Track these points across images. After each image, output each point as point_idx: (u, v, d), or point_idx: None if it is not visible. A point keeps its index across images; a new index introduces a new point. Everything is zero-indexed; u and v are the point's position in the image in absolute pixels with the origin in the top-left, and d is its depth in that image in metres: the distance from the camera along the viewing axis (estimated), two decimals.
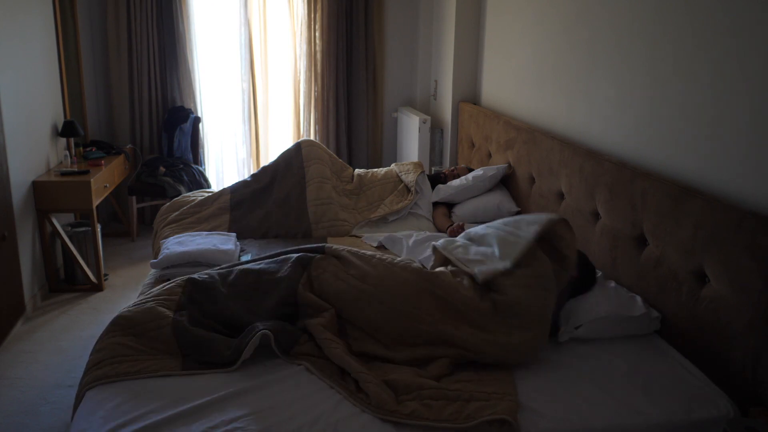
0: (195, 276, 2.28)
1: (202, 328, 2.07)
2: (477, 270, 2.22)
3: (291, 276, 2.24)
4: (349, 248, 2.39)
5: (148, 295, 2.22)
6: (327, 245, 2.38)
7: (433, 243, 2.57)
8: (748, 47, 1.97)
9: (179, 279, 2.30)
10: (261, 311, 2.15)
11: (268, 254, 2.47)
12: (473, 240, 2.47)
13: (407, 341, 2.08)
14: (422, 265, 2.39)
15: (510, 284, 2.13)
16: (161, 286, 2.32)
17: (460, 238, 2.54)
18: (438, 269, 2.35)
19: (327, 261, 2.29)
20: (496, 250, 2.29)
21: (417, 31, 5.17)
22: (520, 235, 2.24)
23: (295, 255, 2.33)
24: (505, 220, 2.43)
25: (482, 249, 2.36)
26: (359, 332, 2.13)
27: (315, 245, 2.42)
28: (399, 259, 2.36)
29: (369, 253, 2.37)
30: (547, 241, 2.26)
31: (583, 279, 2.36)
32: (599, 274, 2.53)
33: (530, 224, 2.26)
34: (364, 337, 2.12)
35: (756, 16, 1.94)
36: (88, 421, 1.73)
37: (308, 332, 2.11)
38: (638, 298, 2.31)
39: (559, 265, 2.22)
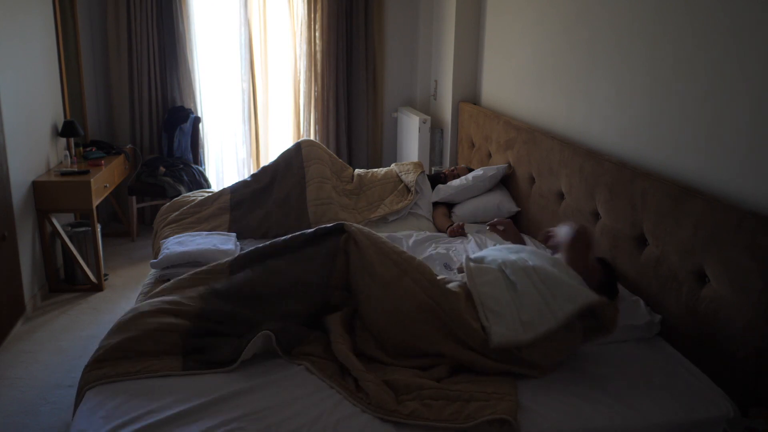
0: (213, 288, 2.20)
1: (214, 336, 2.06)
2: (493, 331, 2.00)
3: (320, 282, 2.17)
4: (368, 233, 2.25)
5: (160, 301, 2.17)
6: (345, 223, 2.27)
7: (467, 256, 2.36)
8: (748, 47, 1.97)
9: (196, 290, 2.22)
10: (286, 314, 2.11)
11: (286, 239, 2.36)
12: (507, 272, 2.18)
13: (407, 352, 2.06)
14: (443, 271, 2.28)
15: (527, 348, 1.99)
16: (172, 284, 2.31)
17: (494, 264, 2.24)
18: (454, 285, 2.19)
19: (348, 245, 2.21)
20: (525, 311, 2.03)
21: (417, 31, 5.17)
22: (553, 309, 1.99)
23: (321, 251, 2.23)
24: (546, 273, 2.09)
25: (509, 297, 2.09)
26: (366, 333, 2.12)
27: (331, 225, 2.30)
28: (418, 261, 2.20)
29: (387, 244, 2.22)
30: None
31: (608, 292, 2.24)
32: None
33: (569, 298, 1.99)
34: (369, 338, 2.10)
35: (756, 16, 1.94)
36: (88, 421, 1.73)
37: (318, 330, 2.10)
38: (641, 303, 2.29)
39: (594, 324, 2.03)
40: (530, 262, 2.17)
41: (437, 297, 2.07)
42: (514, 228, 2.73)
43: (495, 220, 2.75)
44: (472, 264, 2.26)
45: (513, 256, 2.25)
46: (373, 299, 2.11)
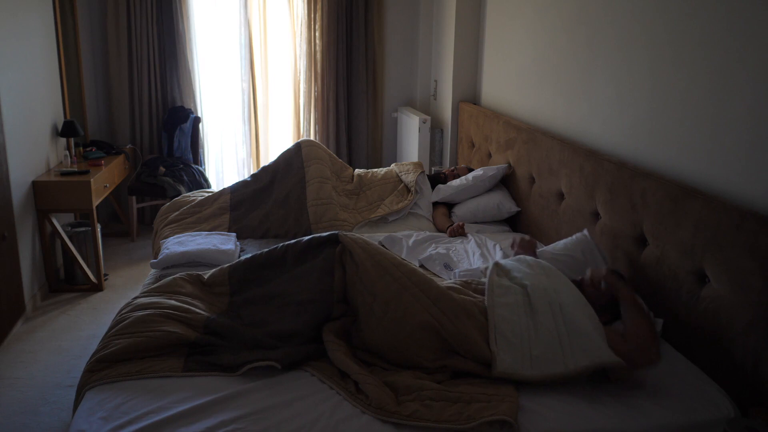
0: (213, 319, 2.15)
1: (218, 347, 2.05)
2: (500, 359, 1.94)
3: (320, 298, 2.12)
4: (364, 243, 2.17)
5: (167, 306, 2.15)
6: (340, 233, 2.20)
7: (496, 263, 2.28)
8: (748, 47, 1.97)
9: (197, 315, 2.17)
10: (289, 333, 2.08)
11: (284, 249, 2.32)
12: (531, 298, 2.09)
13: (407, 367, 2.02)
14: (451, 283, 2.20)
15: (531, 381, 1.95)
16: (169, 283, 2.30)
17: (520, 282, 2.16)
18: (466, 300, 2.11)
19: (344, 257, 2.15)
20: (537, 346, 1.96)
21: (417, 31, 5.17)
22: (566, 356, 1.92)
23: (318, 266, 2.18)
24: (573, 316, 2.01)
25: (525, 326, 2.01)
26: (363, 344, 2.09)
27: (326, 235, 2.25)
28: (420, 274, 2.11)
29: (386, 255, 2.14)
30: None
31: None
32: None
33: (587, 351, 1.91)
34: (367, 351, 2.08)
35: (756, 16, 1.94)
36: (88, 422, 1.73)
37: (319, 342, 2.08)
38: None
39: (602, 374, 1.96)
40: (561, 297, 2.08)
41: (440, 317, 2.00)
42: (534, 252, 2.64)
43: (515, 243, 2.64)
44: (496, 278, 2.18)
45: (545, 282, 2.15)
46: (371, 317, 2.05)
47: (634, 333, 1.98)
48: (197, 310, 2.17)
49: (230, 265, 2.41)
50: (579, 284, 2.27)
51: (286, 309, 2.16)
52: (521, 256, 2.42)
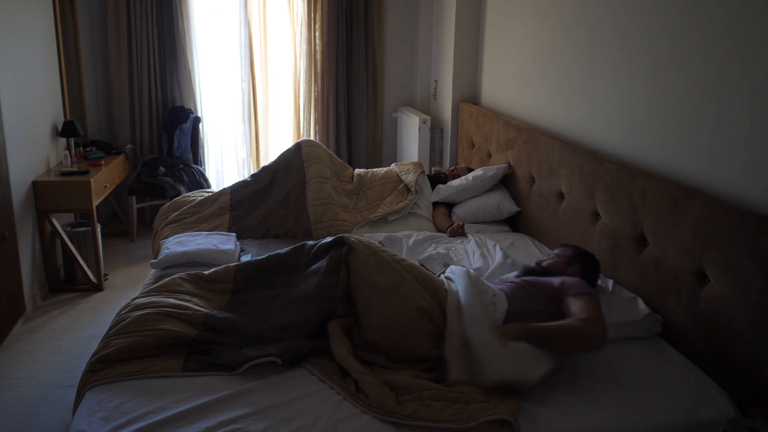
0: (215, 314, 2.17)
1: (218, 344, 2.06)
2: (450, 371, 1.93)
3: (325, 295, 2.16)
4: (368, 243, 2.25)
5: (167, 304, 2.16)
6: (345, 235, 2.28)
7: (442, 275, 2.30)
8: (748, 47, 1.97)
9: (200, 301, 2.23)
10: (290, 326, 2.10)
11: (291, 254, 2.37)
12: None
13: (407, 358, 2.04)
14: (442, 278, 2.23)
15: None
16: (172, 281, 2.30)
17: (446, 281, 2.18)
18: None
19: (349, 257, 2.21)
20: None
21: (417, 31, 5.17)
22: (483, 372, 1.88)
23: (324, 266, 2.23)
24: (470, 340, 1.94)
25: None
26: (365, 342, 2.10)
27: (332, 239, 2.31)
28: (420, 269, 2.18)
29: (388, 252, 2.22)
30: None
31: (588, 276, 2.32)
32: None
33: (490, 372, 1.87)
34: (368, 349, 2.09)
35: (756, 16, 1.94)
36: (88, 422, 1.73)
37: (322, 339, 2.09)
38: (640, 301, 2.29)
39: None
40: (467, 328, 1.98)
41: (434, 307, 2.04)
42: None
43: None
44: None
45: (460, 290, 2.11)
46: (372, 308, 2.09)
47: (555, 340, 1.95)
48: (197, 308, 2.17)
49: (237, 265, 2.42)
50: (538, 267, 2.38)
51: (289, 305, 2.18)
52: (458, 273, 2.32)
